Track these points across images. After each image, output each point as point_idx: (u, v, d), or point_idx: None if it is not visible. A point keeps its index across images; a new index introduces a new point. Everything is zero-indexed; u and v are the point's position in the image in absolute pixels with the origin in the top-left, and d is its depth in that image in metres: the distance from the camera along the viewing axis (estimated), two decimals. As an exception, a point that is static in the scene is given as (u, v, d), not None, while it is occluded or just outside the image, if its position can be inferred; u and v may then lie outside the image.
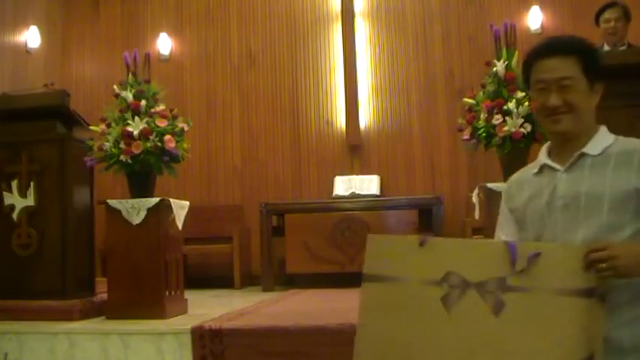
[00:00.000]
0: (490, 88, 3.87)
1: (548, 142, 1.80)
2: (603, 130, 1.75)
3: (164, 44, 7.04)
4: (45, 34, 6.88)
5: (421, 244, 1.63)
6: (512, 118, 3.66)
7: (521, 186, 1.81)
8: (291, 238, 5.82)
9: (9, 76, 6.28)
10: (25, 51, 6.62)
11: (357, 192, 6.21)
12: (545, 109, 1.70)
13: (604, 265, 1.44)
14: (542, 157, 1.78)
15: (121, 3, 7.22)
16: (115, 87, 4.18)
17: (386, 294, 1.64)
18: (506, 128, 3.67)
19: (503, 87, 3.79)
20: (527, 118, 3.67)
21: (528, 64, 1.76)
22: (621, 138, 1.75)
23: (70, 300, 4.00)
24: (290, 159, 6.73)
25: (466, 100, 4.00)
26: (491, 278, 1.54)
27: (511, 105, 3.67)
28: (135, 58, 4.25)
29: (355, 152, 6.61)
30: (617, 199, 1.59)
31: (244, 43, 6.94)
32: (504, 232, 1.83)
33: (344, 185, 6.30)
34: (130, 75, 4.20)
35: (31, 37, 6.68)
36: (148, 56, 4.35)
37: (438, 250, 1.62)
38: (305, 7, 6.88)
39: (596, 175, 1.64)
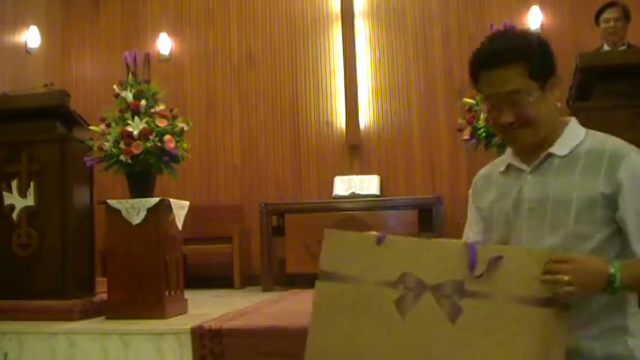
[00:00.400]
0: (490, 88, 3.87)
1: None
2: (572, 125, 1.63)
3: (164, 44, 7.04)
4: (45, 34, 6.89)
5: (378, 242, 1.55)
6: (512, 118, 3.66)
7: (488, 184, 1.72)
8: (291, 238, 5.82)
9: (9, 76, 6.28)
10: (25, 51, 6.62)
11: (357, 192, 6.21)
12: (499, 125, 1.58)
13: (564, 279, 1.35)
14: (509, 155, 1.68)
15: (121, 3, 7.23)
16: (114, 87, 4.18)
17: (339, 294, 1.56)
18: (506, 128, 3.67)
19: (503, 87, 3.79)
20: (527, 118, 3.67)
21: (473, 75, 1.61)
22: (592, 133, 1.63)
23: (70, 300, 4.00)
24: (290, 159, 6.73)
25: (466, 100, 4.01)
26: (449, 281, 1.45)
27: (511, 105, 3.67)
28: (135, 58, 4.24)
29: (355, 152, 6.61)
30: (584, 205, 1.50)
31: (244, 43, 6.94)
32: (473, 230, 1.75)
33: (344, 185, 6.30)
34: (130, 75, 4.20)
35: (31, 37, 6.68)
36: (148, 56, 4.35)
37: (396, 249, 1.53)
38: (305, 8, 6.88)
39: (563, 178, 1.54)
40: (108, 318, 3.97)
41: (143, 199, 4.00)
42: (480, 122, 3.80)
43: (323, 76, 6.78)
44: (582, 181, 1.52)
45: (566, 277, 1.35)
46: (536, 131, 1.56)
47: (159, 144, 3.97)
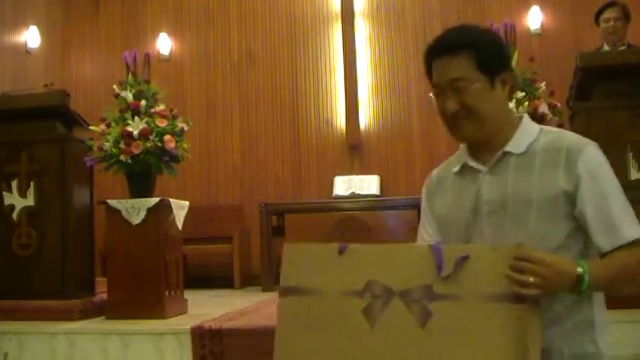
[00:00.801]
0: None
1: None
2: (525, 122, 1.59)
3: (164, 44, 7.05)
4: (45, 34, 6.89)
5: (340, 252, 1.50)
6: (512, 118, 3.67)
7: (443, 186, 1.67)
8: (291, 238, 5.82)
9: (9, 76, 6.28)
10: (25, 51, 6.62)
11: (357, 192, 6.22)
12: (444, 116, 1.55)
13: (529, 281, 1.33)
14: (463, 154, 1.62)
15: (121, 3, 7.23)
16: (114, 87, 4.18)
17: (304, 308, 1.51)
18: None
19: (503, 87, 3.79)
20: (527, 118, 3.67)
21: (426, 64, 1.58)
22: (546, 129, 1.59)
23: (70, 300, 4.00)
24: (290, 159, 6.73)
25: (466, 100, 4.00)
26: (417, 286, 1.41)
27: (511, 105, 3.68)
28: (135, 58, 4.24)
29: (355, 152, 6.61)
30: (545, 204, 1.47)
31: (244, 43, 6.94)
32: (428, 230, 1.70)
33: (344, 185, 6.30)
34: (130, 75, 4.20)
35: (31, 37, 6.69)
36: (147, 56, 4.35)
37: (359, 257, 1.49)
38: (305, 7, 6.88)
39: (521, 177, 1.50)
40: (108, 318, 3.97)
41: (143, 199, 4.00)
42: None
43: (323, 76, 6.78)
44: (541, 179, 1.49)
45: (531, 279, 1.33)
46: (479, 124, 1.52)
47: (159, 144, 3.97)
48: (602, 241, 1.46)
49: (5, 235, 4.13)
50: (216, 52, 6.98)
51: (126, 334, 3.62)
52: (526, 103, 3.68)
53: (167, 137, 3.99)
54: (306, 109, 6.75)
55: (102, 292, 4.23)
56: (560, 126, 3.81)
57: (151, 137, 3.94)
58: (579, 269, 1.37)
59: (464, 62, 1.50)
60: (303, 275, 1.54)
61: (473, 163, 1.59)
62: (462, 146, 1.65)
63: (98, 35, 7.24)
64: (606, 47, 4.55)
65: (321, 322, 1.48)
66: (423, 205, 1.72)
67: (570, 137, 1.55)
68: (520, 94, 3.72)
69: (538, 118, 3.70)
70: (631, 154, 3.66)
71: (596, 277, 1.39)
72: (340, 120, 6.67)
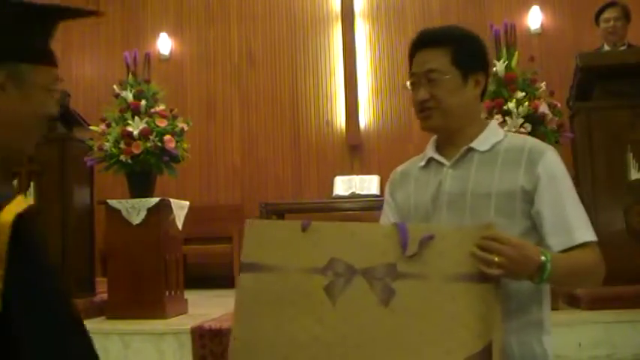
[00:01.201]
0: (490, 88, 3.86)
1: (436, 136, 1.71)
2: (493, 125, 1.66)
3: (164, 44, 7.05)
4: (45, 34, 6.88)
5: (303, 229, 1.47)
6: (512, 118, 3.66)
7: (407, 178, 1.72)
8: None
9: (9, 76, 6.28)
10: (25, 51, 6.62)
11: (357, 192, 6.21)
12: (415, 104, 1.63)
13: (494, 260, 1.34)
14: (430, 149, 1.68)
15: (121, 3, 7.23)
16: (115, 87, 4.18)
17: (265, 285, 1.47)
18: (506, 128, 3.67)
19: (503, 87, 3.79)
20: (528, 118, 3.67)
21: (410, 57, 1.67)
22: (511, 134, 1.65)
23: (70, 300, 4.00)
24: (290, 159, 6.73)
25: (466, 100, 4.00)
26: (380, 264, 1.39)
27: (511, 105, 3.68)
28: (135, 58, 4.25)
29: (355, 152, 6.61)
30: (503, 198, 1.52)
31: (244, 43, 6.94)
32: (390, 220, 1.72)
33: (344, 185, 6.30)
34: (130, 75, 4.20)
35: (31, 37, 6.68)
36: (148, 56, 4.35)
37: (322, 235, 1.46)
38: (305, 7, 6.88)
39: (483, 173, 1.56)
40: (108, 318, 3.97)
41: (143, 199, 4.00)
42: (480, 122, 3.80)
43: (323, 76, 6.78)
44: (502, 175, 1.54)
45: (496, 258, 1.34)
46: (444, 116, 1.59)
47: (159, 144, 3.97)
48: (555, 241, 1.50)
49: (5, 235, 4.13)
50: (216, 52, 6.98)
51: (126, 334, 3.63)
52: (526, 103, 3.68)
53: (167, 137, 3.99)
54: (306, 109, 6.75)
55: (102, 292, 4.23)
56: (560, 126, 3.81)
57: (151, 137, 3.95)
58: (543, 257, 1.39)
59: (441, 55, 1.58)
60: (264, 252, 1.50)
61: (437, 157, 1.65)
62: (430, 143, 1.70)
63: (98, 35, 7.24)
64: (606, 47, 4.55)
65: (282, 299, 1.44)
66: (386, 197, 1.76)
67: (533, 141, 1.62)
68: (520, 94, 3.72)
69: (538, 118, 3.70)
70: (631, 154, 3.67)
71: (556, 269, 1.41)
72: (340, 120, 6.67)
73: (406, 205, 1.67)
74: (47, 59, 1.23)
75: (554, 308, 3.53)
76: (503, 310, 1.41)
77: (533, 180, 1.52)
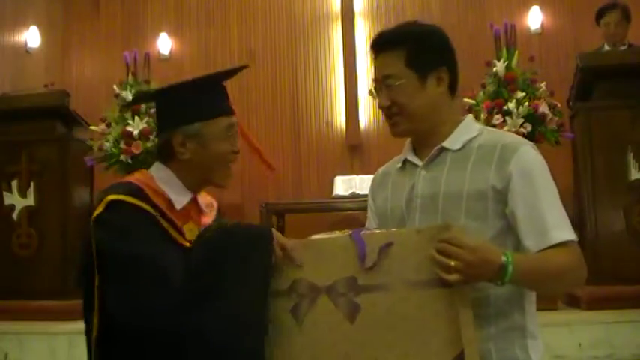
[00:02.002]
0: (490, 88, 3.88)
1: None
2: (468, 121, 1.60)
3: (164, 44, 7.04)
4: (45, 34, 6.88)
5: None
6: (512, 118, 3.66)
7: (385, 181, 1.69)
8: (291, 238, 5.82)
9: (9, 76, 6.28)
10: (25, 51, 6.62)
11: (357, 192, 6.20)
12: (382, 110, 1.58)
13: (450, 265, 1.30)
14: (406, 150, 1.65)
15: (121, 3, 7.22)
16: (115, 87, 4.18)
17: None
18: (506, 128, 3.67)
19: (503, 87, 3.80)
20: (528, 118, 3.67)
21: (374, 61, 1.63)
22: (488, 129, 1.59)
23: (71, 300, 4.00)
24: (290, 159, 6.73)
25: (466, 100, 4.00)
26: (341, 279, 1.35)
27: (511, 105, 3.68)
28: (135, 58, 4.25)
29: (355, 152, 6.60)
30: (474, 199, 1.46)
31: (244, 43, 6.94)
32: (372, 226, 1.70)
33: (344, 185, 6.29)
34: (130, 75, 4.21)
35: (31, 37, 6.68)
36: (147, 56, 4.36)
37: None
38: (305, 7, 6.87)
39: (455, 173, 1.50)
40: (108, 318, 3.96)
41: (143, 199, 4.00)
42: (480, 122, 3.80)
43: (323, 76, 6.78)
44: (473, 175, 1.48)
45: (452, 263, 1.29)
46: (409, 120, 1.55)
47: (159, 144, 3.97)
48: (531, 241, 1.44)
49: (5, 235, 4.13)
50: (216, 52, 6.98)
51: (126, 334, 3.62)
52: (526, 103, 3.68)
53: (167, 137, 3.99)
54: (307, 109, 6.75)
55: (102, 292, 4.22)
56: (560, 126, 3.80)
57: (151, 137, 3.95)
58: (503, 258, 1.34)
59: (394, 59, 1.53)
60: None
61: (412, 158, 1.61)
62: (407, 144, 1.67)
63: (98, 35, 7.24)
64: (607, 47, 4.55)
65: None
66: (369, 201, 1.75)
67: (507, 136, 1.57)
68: (520, 94, 3.72)
69: (538, 118, 3.70)
70: (631, 154, 3.67)
71: (521, 270, 1.35)
72: (340, 120, 6.66)
73: (384, 209, 1.64)
74: (214, 114, 1.64)
75: (553, 308, 3.57)
76: (481, 316, 1.37)
77: (504, 179, 1.46)
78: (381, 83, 1.56)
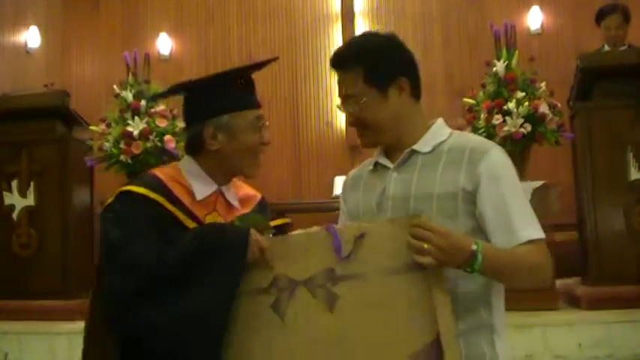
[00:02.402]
0: (490, 88, 3.87)
1: None
2: (438, 125, 1.64)
3: (164, 44, 7.04)
4: (45, 34, 6.88)
5: None
6: (512, 118, 3.66)
7: (357, 184, 1.71)
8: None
9: (9, 76, 6.28)
10: (25, 51, 6.62)
11: (357, 192, 6.21)
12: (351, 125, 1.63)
13: (423, 247, 1.34)
14: (377, 153, 1.68)
15: (121, 3, 7.23)
16: (115, 87, 4.18)
17: None
18: (506, 128, 3.67)
19: (503, 87, 3.79)
20: (528, 118, 3.67)
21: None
22: (457, 133, 1.63)
23: (71, 300, 4.00)
24: (290, 159, 6.73)
25: (466, 100, 4.00)
26: (319, 271, 1.40)
27: (511, 105, 3.67)
28: (135, 58, 4.25)
29: (355, 152, 6.60)
30: (444, 200, 1.50)
31: (244, 43, 6.94)
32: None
33: (344, 185, 6.30)
34: (130, 75, 4.20)
35: (31, 37, 6.68)
36: (147, 56, 4.35)
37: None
38: (305, 7, 6.87)
39: (425, 175, 1.54)
40: (108, 318, 3.96)
41: (143, 199, 3.99)
42: (480, 122, 3.79)
43: (323, 76, 6.78)
44: (444, 177, 1.52)
45: (425, 246, 1.34)
46: (376, 133, 1.59)
47: (159, 144, 3.97)
48: (500, 241, 1.48)
49: (5, 235, 4.13)
50: (216, 52, 6.98)
51: (126, 334, 3.62)
52: (526, 103, 3.68)
53: (167, 137, 3.99)
54: (307, 109, 6.75)
55: (102, 292, 4.22)
56: (560, 126, 3.80)
57: (151, 137, 3.95)
58: (474, 246, 1.38)
59: (352, 79, 1.58)
60: None
61: (383, 161, 1.64)
62: (377, 148, 1.69)
63: (98, 35, 7.24)
64: (607, 48, 4.55)
65: (233, 324, 1.46)
66: (341, 203, 1.78)
67: (476, 139, 1.61)
68: (520, 94, 3.72)
69: (538, 118, 3.70)
70: (631, 154, 3.66)
71: (491, 260, 1.40)
72: (340, 120, 6.66)
73: (356, 211, 1.67)
74: (243, 106, 1.70)
75: (553, 308, 3.57)
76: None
77: (473, 180, 1.50)
78: (344, 101, 1.61)
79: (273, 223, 1.71)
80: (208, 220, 1.63)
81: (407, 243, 1.36)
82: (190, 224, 1.60)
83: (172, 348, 1.47)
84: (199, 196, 1.65)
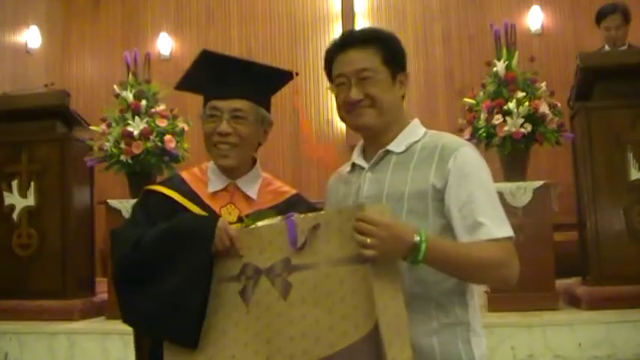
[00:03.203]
0: (490, 88, 3.87)
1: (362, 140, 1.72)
2: (413, 124, 1.65)
3: (164, 44, 7.04)
4: (45, 34, 6.89)
5: None
6: (512, 118, 3.66)
7: (337, 184, 1.75)
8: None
9: (9, 76, 6.28)
10: (25, 51, 6.62)
11: (357, 192, 6.22)
12: (346, 104, 1.62)
13: (366, 241, 1.34)
14: (354, 154, 1.71)
15: (122, 3, 7.23)
16: (115, 87, 4.18)
17: None
18: (506, 128, 3.67)
19: (504, 87, 3.79)
20: (528, 118, 3.67)
21: (329, 59, 1.67)
22: (432, 132, 1.64)
23: (70, 300, 4.00)
24: (290, 159, 6.73)
25: (466, 100, 4.00)
26: (278, 261, 1.47)
27: (511, 105, 3.67)
28: (135, 58, 4.25)
29: (355, 152, 6.61)
30: (414, 198, 1.51)
31: (244, 43, 6.94)
32: None
33: (344, 185, 6.30)
34: (131, 75, 4.20)
35: (31, 37, 6.69)
36: (148, 56, 4.35)
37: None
38: (305, 7, 6.88)
39: (398, 174, 1.56)
40: (108, 318, 3.96)
41: (143, 199, 3.99)
42: (480, 122, 3.79)
43: (323, 76, 6.72)
44: (415, 175, 1.54)
45: (368, 240, 1.34)
46: (379, 113, 1.60)
47: (159, 144, 3.97)
48: (464, 238, 1.48)
49: (5, 235, 4.13)
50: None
51: (126, 334, 3.61)
52: (526, 103, 3.68)
53: (167, 137, 3.99)
54: (307, 108, 6.75)
55: (102, 292, 4.23)
56: (560, 126, 3.80)
57: (151, 137, 3.94)
58: (416, 237, 1.38)
59: (371, 55, 1.59)
60: None
61: (359, 161, 1.67)
62: (356, 147, 1.72)
63: (98, 35, 7.24)
64: (607, 48, 4.55)
65: (212, 309, 1.54)
66: (325, 204, 1.82)
67: (448, 137, 1.61)
68: (520, 94, 3.71)
69: (538, 118, 3.70)
70: (631, 154, 3.66)
71: (438, 253, 1.40)
72: (340, 120, 6.66)
73: None
74: (207, 96, 1.92)
75: (553, 308, 3.57)
76: (422, 311, 1.46)
77: (443, 176, 1.51)
78: (352, 76, 1.59)
79: None
80: (224, 212, 1.72)
81: (352, 236, 1.38)
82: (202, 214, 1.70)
83: (153, 330, 1.60)
84: (211, 189, 1.77)
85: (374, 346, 1.32)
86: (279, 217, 1.56)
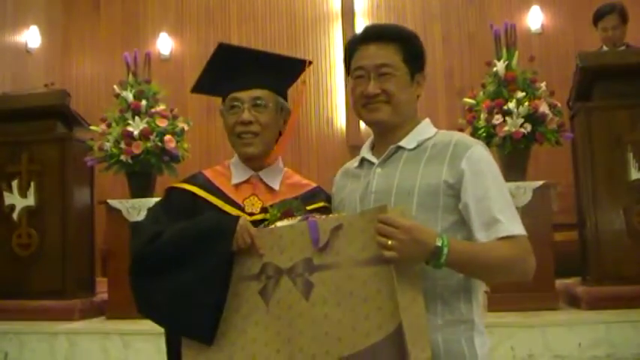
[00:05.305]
0: (490, 88, 3.87)
1: (373, 135, 1.74)
2: (425, 123, 1.68)
3: (164, 44, 7.05)
4: (45, 34, 6.89)
5: None
6: (512, 118, 3.66)
7: (344, 179, 1.76)
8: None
9: (9, 76, 6.28)
10: (25, 51, 6.63)
11: (357, 192, 6.22)
12: (362, 97, 1.63)
13: (387, 243, 1.36)
14: (364, 149, 1.72)
15: (122, 3, 7.23)
16: (115, 87, 4.18)
17: None
18: (506, 128, 3.67)
19: (504, 87, 3.79)
20: (528, 118, 3.67)
21: (350, 50, 1.67)
22: (443, 132, 1.66)
23: (71, 300, 4.00)
24: (290, 159, 6.71)
25: (466, 100, 4.00)
26: (300, 261, 1.48)
27: (511, 105, 3.67)
28: (135, 58, 4.25)
29: (355, 152, 6.57)
30: (425, 193, 1.52)
31: (244, 43, 6.93)
32: None
33: (344, 185, 6.30)
34: (131, 75, 4.20)
35: (31, 37, 6.69)
36: (148, 56, 4.35)
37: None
38: (305, 7, 6.88)
39: (408, 170, 1.57)
40: (108, 318, 3.97)
41: (143, 199, 4.00)
42: (480, 122, 3.79)
43: (323, 75, 6.78)
44: (426, 170, 1.55)
45: (389, 242, 1.36)
46: (395, 111, 1.61)
47: (159, 144, 3.97)
48: (481, 235, 1.49)
49: (5, 235, 4.13)
50: (216, 52, 6.97)
51: (126, 334, 3.62)
52: (526, 103, 3.68)
53: (167, 137, 3.99)
54: (307, 109, 6.75)
55: (102, 292, 4.23)
56: (560, 126, 3.80)
57: (151, 137, 3.95)
58: (438, 242, 1.39)
59: (392, 51, 1.61)
60: None
61: (369, 157, 1.68)
62: (366, 143, 1.74)
63: (98, 35, 7.24)
64: (605, 49, 4.54)
65: (228, 308, 1.54)
66: (332, 199, 1.81)
67: (460, 136, 1.63)
68: (520, 94, 3.71)
69: (538, 118, 3.70)
70: (631, 154, 3.66)
71: (459, 256, 1.41)
72: (340, 120, 6.67)
73: (342, 206, 1.70)
74: (224, 92, 1.90)
75: (553, 308, 3.57)
76: (428, 307, 1.45)
77: (457, 174, 1.52)
78: (372, 70, 1.60)
79: (309, 207, 1.72)
80: (247, 203, 1.75)
81: (374, 238, 1.39)
82: (228, 208, 1.72)
83: (167, 323, 1.64)
84: (234, 181, 1.79)
85: (396, 346, 1.34)
86: (299, 218, 1.57)
